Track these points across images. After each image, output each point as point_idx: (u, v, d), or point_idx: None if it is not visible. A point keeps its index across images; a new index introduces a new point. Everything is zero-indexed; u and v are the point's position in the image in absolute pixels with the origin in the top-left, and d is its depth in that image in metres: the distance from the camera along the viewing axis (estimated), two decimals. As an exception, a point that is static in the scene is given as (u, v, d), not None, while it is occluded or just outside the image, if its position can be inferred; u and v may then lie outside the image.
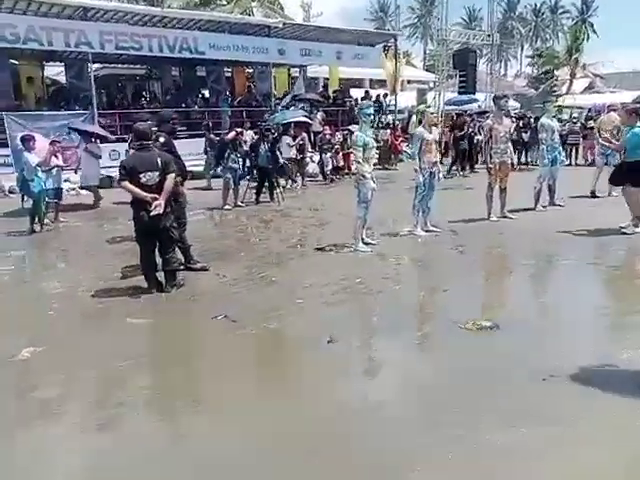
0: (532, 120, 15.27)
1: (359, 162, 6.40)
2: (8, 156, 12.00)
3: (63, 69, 17.34)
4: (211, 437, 2.82)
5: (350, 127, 13.55)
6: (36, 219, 8.18)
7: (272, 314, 4.47)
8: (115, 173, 6.66)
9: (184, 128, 15.00)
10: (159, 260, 5.15)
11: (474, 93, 19.84)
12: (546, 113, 8.97)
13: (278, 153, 11.19)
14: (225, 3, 23.03)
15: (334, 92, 19.79)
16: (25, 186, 8.28)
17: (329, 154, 13.36)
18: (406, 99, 22.51)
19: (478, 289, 5.25)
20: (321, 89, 20.43)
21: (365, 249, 6.45)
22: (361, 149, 6.34)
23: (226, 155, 9.84)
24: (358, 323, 4.58)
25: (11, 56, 15.37)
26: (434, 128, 7.34)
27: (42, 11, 13.46)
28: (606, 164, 9.29)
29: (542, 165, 8.60)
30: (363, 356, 3.93)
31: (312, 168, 13.74)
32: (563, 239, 6.68)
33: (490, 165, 7.74)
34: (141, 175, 4.79)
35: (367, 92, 20.60)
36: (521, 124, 15.62)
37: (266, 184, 10.47)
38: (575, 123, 16.16)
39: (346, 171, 13.57)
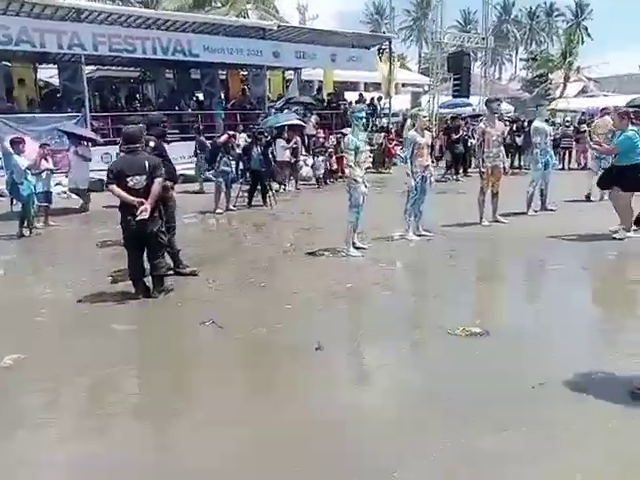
0: (525, 124, 15.30)
1: (351, 166, 6.37)
2: (-1, 159, 11.91)
3: (57, 71, 17.25)
4: (196, 444, 2.78)
5: (344, 130, 13.51)
6: (25, 223, 8.10)
7: (260, 320, 4.42)
8: (107, 176, 6.58)
9: (177, 131, 14.98)
10: (148, 265, 5.10)
11: (468, 96, 19.89)
12: (539, 117, 8.98)
13: (271, 156, 11.17)
14: (220, 5, 22.99)
15: (328, 95, 19.79)
16: (14, 189, 8.21)
17: (321, 157, 13.31)
18: (400, 102, 22.54)
19: (469, 295, 5.21)
20: (315, 92, 20.40)
21: (356, 254, 6.41)
22: (353, 153, 6.31)
23: (218, 158, 9.79)
24: (347, 329, 4.53)
25: (3, 58, 15.30)
26: (426, 132, 7.31)
27: (35, 12, 13.41)
28: (601, 168, 9.29)
29: (535, 169, 8.60)
30: (351, 363, 3.89)
31: (306, 172, 13.70)
32: (554, 244, 6.66)
33: (482, 169, 7.73)
34: (128, 179, 4.74)
35: (361, 95, 20.61)
36: (514, 128, 15.66)
37: (259, 188, 10.43)
38: (568, 127, 16.19)
39: (339, 175, 13.54)
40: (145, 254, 5.02)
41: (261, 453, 2.71)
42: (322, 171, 13.26)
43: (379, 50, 19.52)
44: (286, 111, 15.59)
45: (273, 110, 15.95)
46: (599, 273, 5.93)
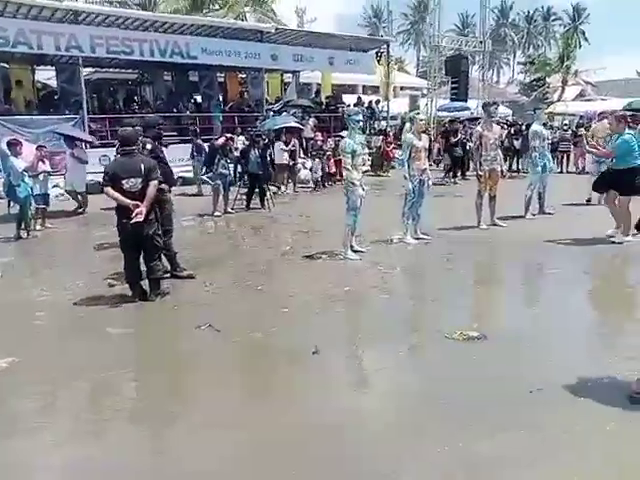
0: (523, 127, 15.32)
1: (348, 169, 6.35)
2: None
3: (55, 73, 17.23)
4: (193, 447, 2.77)
5: (342, 133, 13.51)
6: (22, 225, 8.07)
7: (257, 323, 4.41)
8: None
9: (175, 133, 14.97)
10: (144, 268, 5.07)
11: (466, 100, 19.91)
12: (537, 120, 8.98)
13: (269, 159, 11.16)
14: (218, 8, 23.01)
15: (326, 98, 19.80)
16: (11, 192, 8.18)
17: (317, 160, 13.30)
18: (399, 105, 22.56)
19: (466, 298, 5.20)
20: (313, 95, 20.41)
21: (354, 257, 6.40)
22: (350, 156, 6.30)
23: (216, 161, 9.77)
24: (344, 333, 4.50)
25: (1, 59, 15.28)
26: (424, 135, 7.31)
27: (32, 14, 13.38)
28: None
29: (533, 172, 8.59)
30: (348, 366, 3.86)
31: (304, 174, 13.70)
32: (552, 248, 6.65)
33: (480, 172, 7.73)
34: (123, 181, 4.72)
35: (359, 98, 20.64)
36: (512, 131, 15.68)
37: (257, 190, 10.41)
38: (566, 131, 16.21)
39: (338, 177, 13.53)
40: (141, 257, 5.00)
41: (259, 456, 2.70)
42: (320, 174, 13.24)
43: (377, 53, 19.53)
44: (284, 114, 15.60)
45: (271, 113, 15.95)
46: (597, 277, 5.92)
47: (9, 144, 8.18)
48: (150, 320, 4.73)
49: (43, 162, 8.55)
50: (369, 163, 16.00)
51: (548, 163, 8.63)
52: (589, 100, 30.76)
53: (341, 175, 13.15)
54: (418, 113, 8.11)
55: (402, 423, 2.96)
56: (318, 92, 20.59)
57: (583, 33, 53.72)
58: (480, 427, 2.85)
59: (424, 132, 7.50)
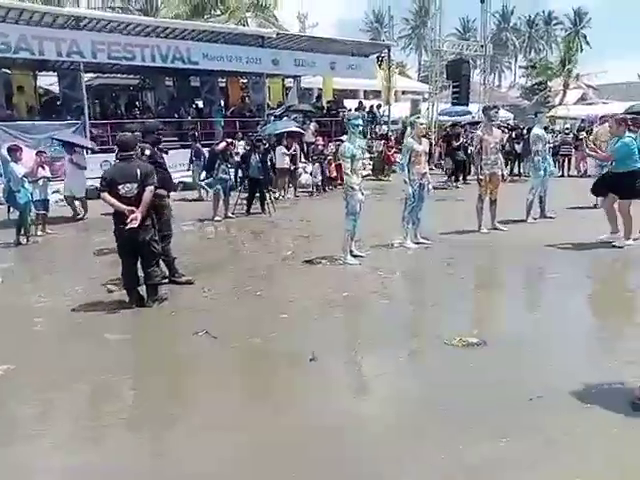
0: (525, 131, 15.30)
1: (347, 174, 6.34)
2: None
3: (57, 79, 17.30)
4: (193, 449, 2.78)
5: (343, 138, 13.51)
6: (22, 231, 8.07)
7: (255, 329, 4.39)
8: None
9: (176, 138, 14.99)
10: (142, 274, 5.06)
11: (467, 104, 19.89)
12: (538, 124, 8.95)
13: (270, 163, 11.16)
14: (219, 13, 23.07)
15: (328, 103, 19.81)
16: (11, 197, 8.18)
17: (317, 164, 13.30)
18: (400, 110, 22.55)
19: (466, 303, 5.16)
20: (315, 100, 20.44)
21: (354, 262, 6.37)
22: (349, 160, 6.28)
23: (216, 166, 9.77)
24: (343, 338, 4.47)
25: (3, 65, 15.33)
26: (424, 139, 7.29)
27: (34, 20, 13.44)
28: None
29: (535, 176, 8.54)
30: (348, 372, 3.83)
31: (305, 179, 13.68)
32: (553, 252, 6.61)
33: (480, 176, 7.70)
34: (120, 186, 4.71)
35: (361, 103, 20.65)
36: (514, 135, 15.67)
37: (257, 195, 10.40)
38: (567, 134, 16.18)
39: (339, 182, 13.52)
40: (139, 263, 4.98)
41: (259, 458, 2.71)
42: (319, 178, 13.23)
43: (378, 58, 19.55)
44: (285, 118, 15.61)
45: (272, 118, 15.96)
46: (598, 281, 5.88)
47: (9, 150, 8.19)
48: (147, 326, 4.71)
49: (43, 168, 8.56)
50: (370, 167, 16.04)
51: (549, 167, 8.60)
52: (591, 104, 30.73)
53: (342, 179, 13.14)
54: (418, 117, 8.09)
55: (402, 426, 2.96)
56: (319, 97, 20.62)
57: (584, 37, 53.70)
58: (480, 430, 2.85)
59: (424, 136, 7.49)
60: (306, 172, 13.90)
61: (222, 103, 18.68)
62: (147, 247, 4.84)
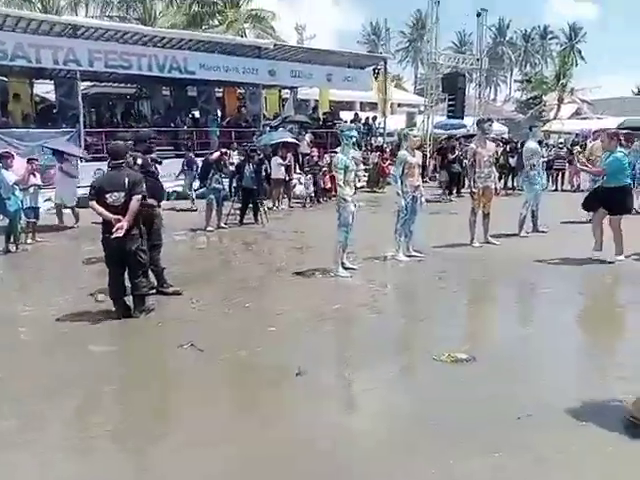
0: (519, 145, 15.36)
1: (340, 185, 6.33)
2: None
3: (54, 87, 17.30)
4: (178, 465, 2.74)
5: (338, 149, 13.52)
6: (12, 239, 8.00)
7: (242, 343, 4.32)
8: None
9: (172, 148, 14.98)
10: (129, 284, 4.99)
11: (462, 117, 19.97)
12: (533, 137, 8.97)
13: (264, 174, 11.14)
14: (217, 24, 23.21)
15: (324, 114, 19.88)
16: (1, 205, 8.10)
17: (309, 176, 13.30)
18: (396, 122, 22.64)
19: (457, 318, 5.12)
20: (311, 111, 20.50)
21: (345, 274, 6.32)
22: (342, 171, 6.27)
23: (210, 176, 9.74)
24: (331, 353, 4.42)
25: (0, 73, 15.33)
26: (417, 151, 7.29)
27: (31, 28, 13.45)
28: None
29: (529, 190, 8.54)
30: (334, 388, 3.77)
31: (299, 190, 13.67)
32: (545, 267, 6.59)
33: (473, 190, 7.70)
34: (107, 195, 4.67)
35: (357, 114, 20.73)
36: (508, 149, 15.73)
37: (250, 205, 10.37)
38: (561, 148, 16.25)
39: (333, 193, 13.51)
40: (127, 273, 4.92)
41: (247, 471, 2.69)
42: (312, 189, 13.22)
43: (374, 70, 19.65)
44: (280, 129, 15.63)
45: (267, 128, 15.98)
46: (589, 296, 5.87)
47: (0, 157, 8.14)
48: (133, 337, 4.65)
49: (34, 175, 8.51)
50: (365, 179, 16.05)
51: (541, 180, 8.61)
52: (585, 118, 30.97)
53: (336, 191, 13.17)
54: (411, 129, 8.11)
55: (393, 441, 2.94)
56: (315, 108, 20.68)
57: (579, 52, 54.33)
58: (471, 446, 2.83)
59: (418, 149, 7.49)
60: (301, 183, 13.90)
61: (219, 113, 18.71)
62: (134, 257, 4.78)
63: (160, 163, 6.66)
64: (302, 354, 4.05)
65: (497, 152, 12.29)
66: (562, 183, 15.54)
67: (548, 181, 13.24)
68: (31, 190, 8.45)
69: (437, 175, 16.03)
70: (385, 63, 20.27)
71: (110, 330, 4.71)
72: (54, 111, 16.30)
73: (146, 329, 4.76)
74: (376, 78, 19.43)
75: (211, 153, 10.24)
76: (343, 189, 6.30)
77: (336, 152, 13.41)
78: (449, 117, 20.28)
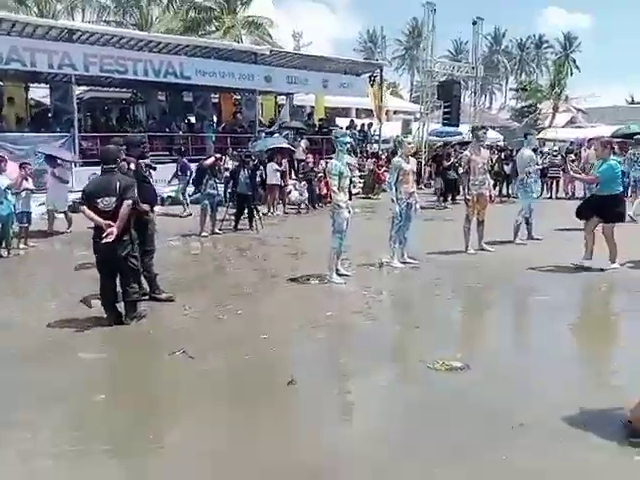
0: (514, 152, 15.41)
1: (334, 191, 6.31)
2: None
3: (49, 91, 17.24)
4: (168, 475, 2.71)
5: (333, 156, 13.52)
6: (3, 243, 7.92)
7: (234, 350, 4.28)
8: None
9: (167, 153, 14.93)
10: (121, 290, 4.94)
11: (458, 125, 20.04)
12: (528, 145, 8.99)
13: (259, 179, 11.12)
14: (214, 30, 23.24)
15: (319, 120, 19.91)
16: (-7, 209, 8.04)
17: (304, 182, 13.29)
18: (391, 129, 22.70)
19: (451, 326, 5.10)
20: (307, 117, 20.53)
21: (339, 281, 6.29)
22: (336, 177, 6.26)
23: (204, 181, 9.71)
24: (324, 361, 4.36)
25: (-5, 76, 15.29)
26: (412, 158, 7.29)
27: (27, 32, 13.45)
28: None
29: (525, 198, 8.55)
30: (327, 396, 3.71)
31: (294, 196, 13.65)
32: (539, 274, 6.58)
33: (468, 197, 7.70)
34: (99, 200, 4.63)
35: (352, 121, 20.76)
36: (503, 156, 15.78)
37: (245, 211, 10.33)
38: (555, 156, 16.32)
39: (328, 199, 13.48)
40: (118, 279, 4.87)
41: None
42: (306, 195, 13.20)
43: (370, 77, 19.72)
44: (276, 135, 15.63)
45: (263, 134, 15.98)
46: (583, 304, 5.87)
47: (-8, 161, 8.07)
48: (124, 345, 4.59)
49: (27, 180, 8.46)
50: (360, 186, 16.06)
51: (535, 188, 8.63)
52: (579, 127, 31.14)
53: (331, 197, 13.15)
54: (406, 136, 8.12)
55: (386, 449, 2.90)
56: (311, 114, 20.71)
57: (574, 61, 54.73)
58: (464, 454, 2.81)
59: (413, 156, 7.48)
60: (296, 189, 13.88)
61: (214, 119, 18.70)
62: (124, 263, 4.73)
63: (154, 169, 6.63)
64: (295, 362, 4.02)
65: (492, 159, 12.31)
66: (557, 191, 15.59)
67: (543, 189, 13.25)
68: (23, 195, 8.39)
69: (432, 182, 16.06)
70: (381, 70, 20.36)
71: (101, 337, 4.65)
72: (49, 115, 16.25)
73: (137, 336, 4.70)
74: (372, 85, 19.49)
75: (205, 158, 10.21)
76: (337, 195, 6.28)
77: (331, 158, 13.48)
78: (444, 124, 20.35)
